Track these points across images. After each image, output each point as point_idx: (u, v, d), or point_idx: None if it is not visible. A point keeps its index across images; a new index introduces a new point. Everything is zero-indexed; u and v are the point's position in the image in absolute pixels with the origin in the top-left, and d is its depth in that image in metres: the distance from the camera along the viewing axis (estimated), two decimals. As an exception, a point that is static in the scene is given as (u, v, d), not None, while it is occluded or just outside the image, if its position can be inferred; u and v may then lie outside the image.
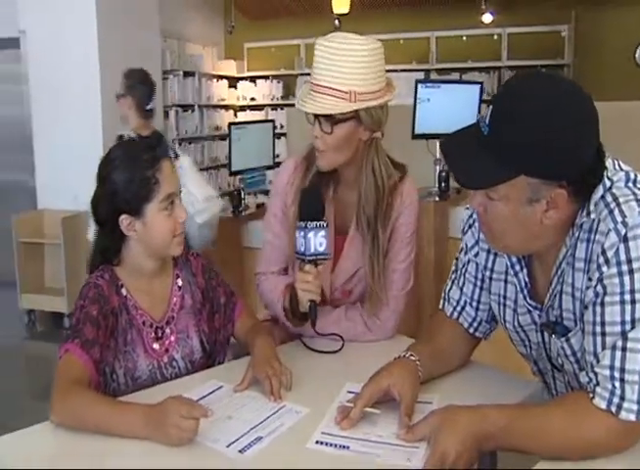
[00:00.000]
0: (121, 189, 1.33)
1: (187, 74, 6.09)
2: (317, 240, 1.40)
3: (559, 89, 1.02)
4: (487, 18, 6.30)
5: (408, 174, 1.57)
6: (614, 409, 1.02)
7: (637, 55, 5.82)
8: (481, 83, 3.63)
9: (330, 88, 1.39)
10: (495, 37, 6.20)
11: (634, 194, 1.04)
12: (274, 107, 7.08)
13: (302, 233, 1.41)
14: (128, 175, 1.32)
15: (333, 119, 1.41)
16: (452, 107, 3.34)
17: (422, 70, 6.36)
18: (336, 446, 1.10)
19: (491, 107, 1.04)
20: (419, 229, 3.63)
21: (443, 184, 3.42)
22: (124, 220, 1.34)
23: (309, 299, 1.44)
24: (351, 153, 1.47)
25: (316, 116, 1.43)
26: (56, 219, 4.13)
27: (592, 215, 1.05)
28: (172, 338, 1.43)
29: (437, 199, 3.48)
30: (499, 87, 1.22)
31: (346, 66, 1.38)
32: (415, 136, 3.46)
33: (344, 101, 1.38)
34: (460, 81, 5.35)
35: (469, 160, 1.05)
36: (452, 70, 6.30)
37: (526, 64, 5.80)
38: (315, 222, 1.41)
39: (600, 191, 1.06)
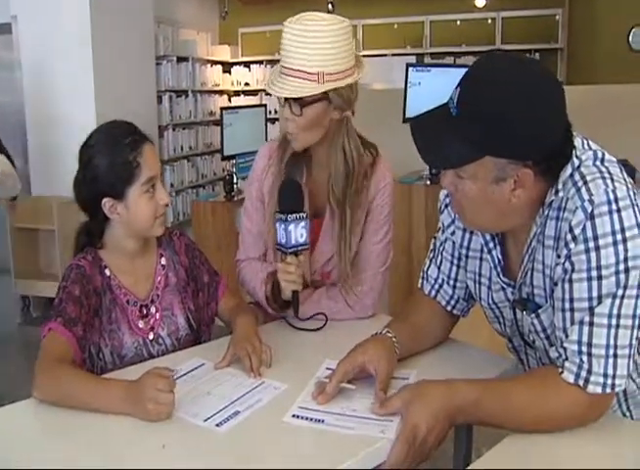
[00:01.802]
0: (103, 173, 1.35)
1: (181, 60, 6.06)
2: (298, 231, 1.42)
3: (524, 71, 1.04)
4: (481, 2, 6.28)
5: (380, 155, 1.58)
6: (581, 383, 1.05)
7: (630, 38, 5.81)
8: (472, 67, 3.62)
9: (298, 71, 1.40)
10: (489, 21, 6.18)
11: (601, 172, 1.05)
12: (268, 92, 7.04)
13: (283, 225, 1.42)
14: (110, 159, 1.35)
15: (302, 102, 1.42)
16: (443, 90, 3.30)
17: (416, 55, 6.34)
18: (311, 419, 1.12)
19: (459, 88, 1.06)
20: (409, 212, 3.65)
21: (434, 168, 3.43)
22: (107, 203, 1.36)
23: (292, 289, 1.47)
24: (323, 132, 1.49)
25: (286, 98, 1.44)
26: (50, 206, 4.14)
27: (561, 194, 1.07)
28: (157, 316, 1.46)
29: (429, 183, 3.50)
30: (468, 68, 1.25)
31: (313, 47, 1.38)
32: (406, 120, 3.47)
33: (312, 83, 1.39)
34: (451, 65, 5.34)
35: (437, 140, 1.07)
36: (446, 55, 6.28)
37: (520, 48, 5.77)
38: (295, 214, 1.42)
39: (569, 170, 1.08)
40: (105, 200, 1.36)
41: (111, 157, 1.35)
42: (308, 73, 1.39)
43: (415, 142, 1.10)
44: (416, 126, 1.11)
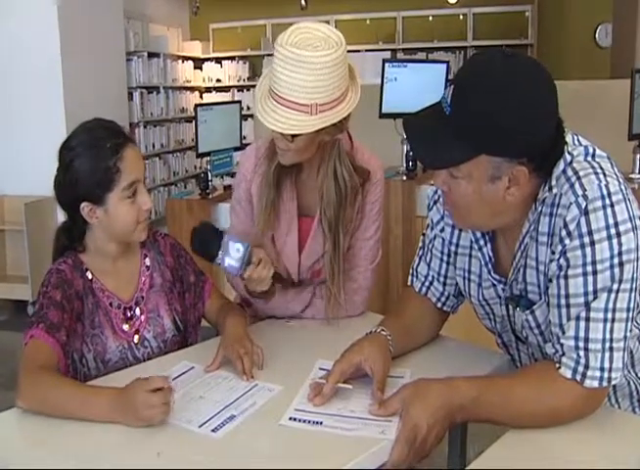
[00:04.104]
0: (83, 178, 1.30)
1: (151, 56, 5.97)
2: (233, 256, 1.36)
3: (517, 68, 1.03)
4: (453, -2, 6.34)
5: (373, 158, 1.56)
6: (578, 378, 1.05)
7: (597, 35, 5.92)
8: (448, 62, 3.64)
9: (289, 101, 1.31)
10: (461, 17, 6.24)
11: (593, 167, 1.06)
12: (240, 88, 7.00)
13: (221, 266, 1.37)
14: (90, 164, 1.30)
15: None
16: (419, 86, 3.34)
17: (388, 50, 6.36)
18: (309, 422, 1.10)
19: (452, 86, 1.05)
20: (387, 208, 3.66)
21: (411, 163, 3.44)
22: (85, 208, 1.32)
23: (268, 282, 1.42)
24: (314, 152, 1.45)
25: None
26: (17, 205, 4.03)
27: (554, 190, 1.07)
28: (143, 318, 1.42)
29: (405, 178, 3.50)
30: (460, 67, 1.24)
31: (306, 79, 1.28)
32: (382, 115, 3.46)
33: (305, 114, 1.31)
34: (427, 61, 5.36)
35: (431, 140, 1.06)
36: (418, 50, 6.33)
37: (491, 44, 5.86)
38: (219, 252, 1.36)
39: (561, 166, 1.08)
40: (83, 204, 1.32)
41: (91, 161, 1.30)
42: (300, 105, 1.31)
43: (409, 142, 1.09)
44: (410, 126, 1.09)
